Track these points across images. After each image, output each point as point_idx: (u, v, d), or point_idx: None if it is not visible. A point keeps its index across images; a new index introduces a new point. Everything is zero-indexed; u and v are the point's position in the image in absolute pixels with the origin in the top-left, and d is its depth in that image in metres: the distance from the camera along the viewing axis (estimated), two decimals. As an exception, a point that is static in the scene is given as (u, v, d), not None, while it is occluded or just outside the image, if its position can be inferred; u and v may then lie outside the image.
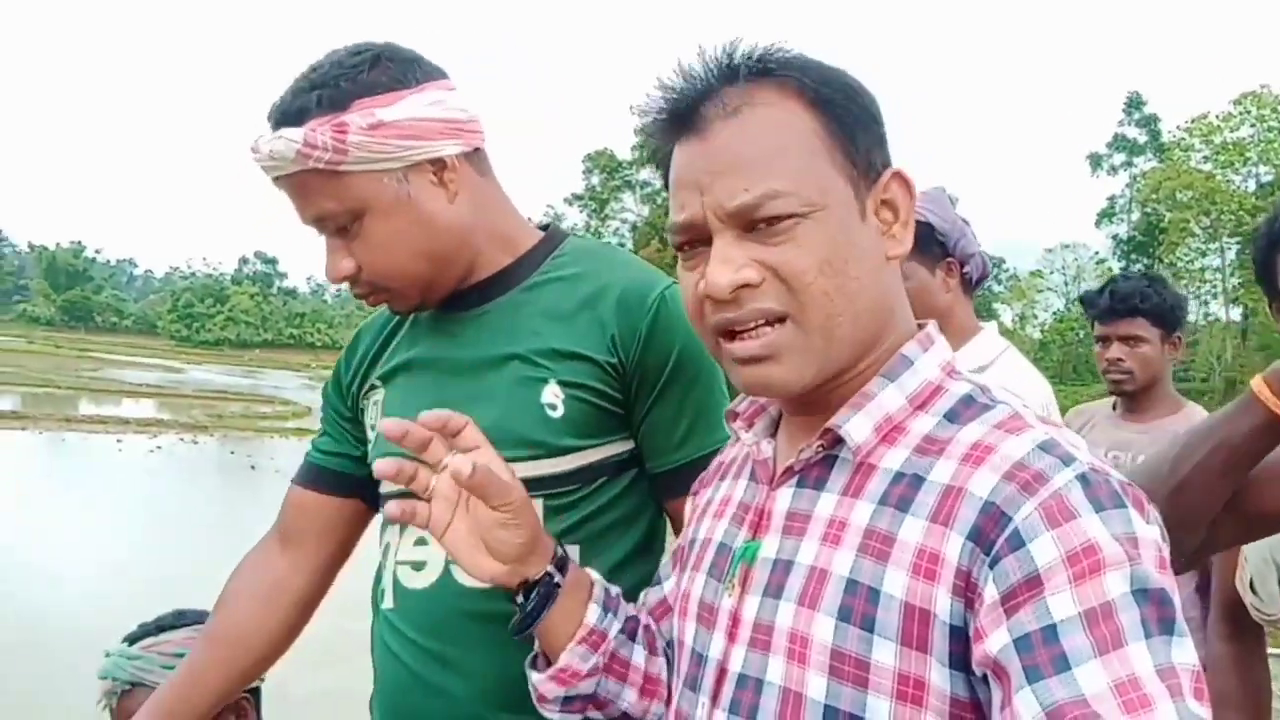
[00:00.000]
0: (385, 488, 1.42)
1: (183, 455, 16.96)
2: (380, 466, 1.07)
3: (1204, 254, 47.43)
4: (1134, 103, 54.37)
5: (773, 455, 1.00)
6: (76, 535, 9.38)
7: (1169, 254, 47.35)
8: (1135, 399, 3.01)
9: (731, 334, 0.92)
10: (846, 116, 0.92)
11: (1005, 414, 0.88)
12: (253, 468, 16.02)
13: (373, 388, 1.47)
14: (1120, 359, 2.96)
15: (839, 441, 0.92)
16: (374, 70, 1.27)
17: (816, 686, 0.86)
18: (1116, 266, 54.29)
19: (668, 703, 1.13)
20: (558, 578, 1.11)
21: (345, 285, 1.34)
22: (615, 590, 1.18)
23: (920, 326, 0.98)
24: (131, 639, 1.74)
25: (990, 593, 0.78)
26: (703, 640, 0.99)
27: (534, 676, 1.14)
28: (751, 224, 0.89)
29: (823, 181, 0.90)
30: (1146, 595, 0.76)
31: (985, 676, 0.79)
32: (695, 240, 0.93)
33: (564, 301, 1.35)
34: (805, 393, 0.94)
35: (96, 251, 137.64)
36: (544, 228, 1.46)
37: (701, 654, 0.99)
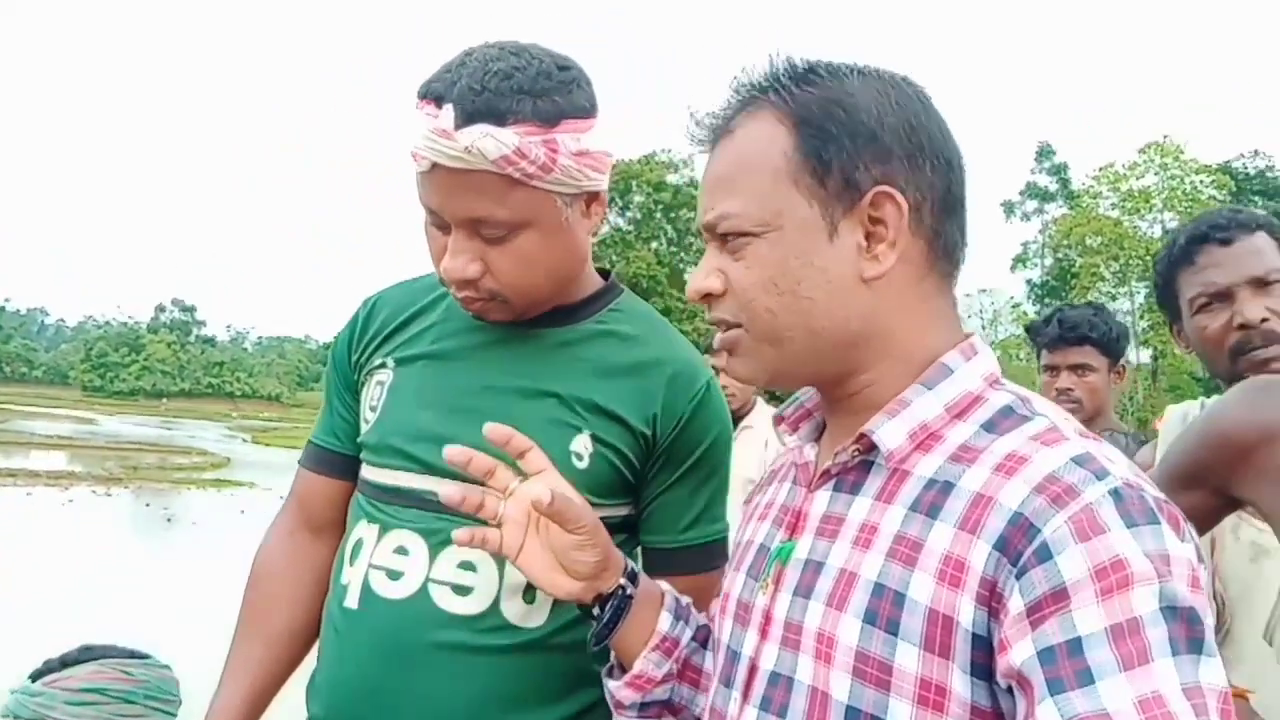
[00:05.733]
0: (373, 475, 1.36)
1: (96, 508, 16.33)
2: (446, 494, 1.11)
3: (1114, 297, 48.88)
4: (1044, 152, 56.14)
5: (814, 459, 1.02)
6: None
7: (1081, 297, 48.60)
8: None
9: None
10: (822, 136, 0.93)
11: (1043, 426, 0.88)
12: (169, 520, 15.51)
13: (381, 366, 1.40)
14: (1069, 389, 2.96)
15: (875, 447, 0.93)
16: (579, 91, 1.24)
17: (840, 687, 0.86)
18: (1031, 310, 55.77)
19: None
20: (630, 589, 1.14)
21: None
22: (686, 600, 1.20)
23: (966, 336, 0.99)
24: (35, 675, 1.67)
25: (1016, 604, 0.78)
26: (737, 637, 1.01)
27: (610, 683, 1.16)
28: (721, 238, 0.97)
29: (779, 203, 0.94)
30: (1176, 613, 0.75)
31: (1010, 688, 0.79)
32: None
33: (615, 359, 1.34)
34: (808, 386, 1.04)
35: (6, 300, 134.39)
36: (604, 274, 1.44)
37: (736, 651, 1.00)
